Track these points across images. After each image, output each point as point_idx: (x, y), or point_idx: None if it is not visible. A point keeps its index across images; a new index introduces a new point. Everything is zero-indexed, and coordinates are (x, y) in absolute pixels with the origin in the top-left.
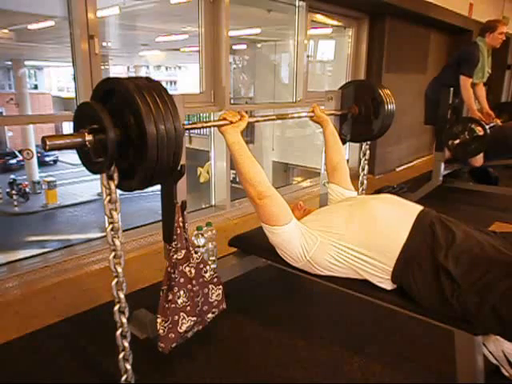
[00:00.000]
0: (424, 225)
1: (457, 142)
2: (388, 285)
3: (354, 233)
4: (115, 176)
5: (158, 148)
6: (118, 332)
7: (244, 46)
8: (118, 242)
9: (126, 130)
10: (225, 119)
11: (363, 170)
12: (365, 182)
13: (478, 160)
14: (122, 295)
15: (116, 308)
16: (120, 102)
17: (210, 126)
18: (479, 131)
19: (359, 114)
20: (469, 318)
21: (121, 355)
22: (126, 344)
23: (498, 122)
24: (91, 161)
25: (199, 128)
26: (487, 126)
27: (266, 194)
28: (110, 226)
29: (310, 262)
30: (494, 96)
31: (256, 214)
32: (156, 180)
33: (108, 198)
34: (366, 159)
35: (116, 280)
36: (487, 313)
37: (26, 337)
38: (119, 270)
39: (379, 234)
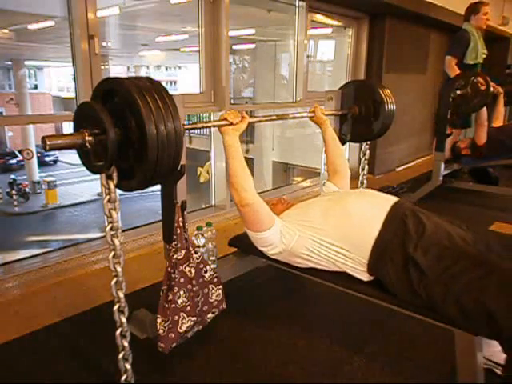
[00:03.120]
0: (397, 217)
1: (458, 92)
2: (365, 277)
3: (330, 227)
4: (114, 176)
5: (159, 148)
6: (118, 332)
7: (246, 46)
8: (117, 242)
9: (126, 131)
10: (225, 119)
11: (363, 169)
12: (365, 181)
13: (482, 138)
14: (121, 295)
15: (115, 308)
16: (120, 102)
17: (210, 126)
18: (482, 85)
19: (359, 114)
20: (435, 308)
21: (120, 355)
22: (126, 344)
23: (500, 89)
24: (91, 161)
25: (199, 128)
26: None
27: (247, 202)
28: (110, 225)
29: (290, 255)
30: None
31: None
32: (156, 180)
33: (107, 197)
34: (366, 159)
35: (115, 279)
36: (451, 303)
37: (25, 337)
38: (118, 269)
39: (353, 228)
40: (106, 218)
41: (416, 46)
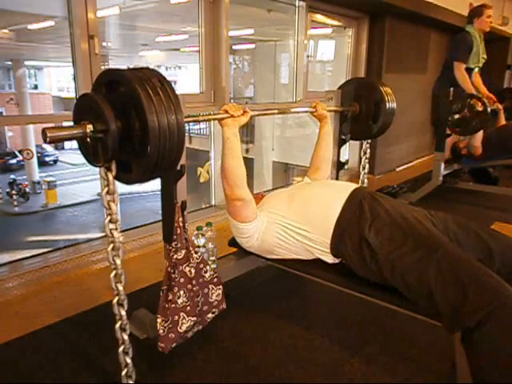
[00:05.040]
0: (355, 200)
1: (457, 116)
2: (330, 259)
3: (294, 211)
4: (113, 167)
5: (160, 141)
6: (117, 325)
7: (245, 46)
8: (116, 234)
9: (128, 123)
10: (226, 112)
11: (364, 168)
12: (365, 180)
13: (478, 148)
14: (120, 287)
15: (115, 300)
16: (121, 94)
17: (211, 119)
18: (479, 106)
19: (360, 111)
20: (386, 282)
21: (120, 348)
22: (126, 337)
23: (500, 106)
24: (92, 153)
25: (201, 121)
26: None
27: (240, 197)
28: (108, 217)
29: (262, 243)
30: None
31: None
32: (157, 174)
33: (106, 189)
34: (366, 158)
35: (114, 272)
36: (398, 280)
37: (25, 337)
38: (118, 261)
39: (316, 211)
40: (104, 210)
41: (416, 46)
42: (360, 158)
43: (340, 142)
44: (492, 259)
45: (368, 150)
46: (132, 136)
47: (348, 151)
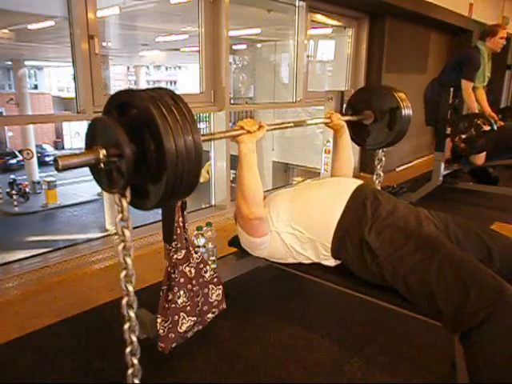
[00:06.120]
0: (358, 200)
1: (464, 136)
2: (332, 261)
3: (296, 215)
4: (128, 193)
5: (178, 164)
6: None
7: (244, 46)
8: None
9: (142, 145)
10: (242, 128)
11: (379, 176)
12: (379, 187)
13: (481, 158)
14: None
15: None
16: (134, 115)
17: (228, 137)
18: (486, 126)
19: (375, 120)
20: (387, 284)
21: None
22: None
23: (502, 124)
24: (105, 179)
25: (217, 139)
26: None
27: (257, 216)
28: (122, 244)
29: (271, 251)
30: (493, 97)
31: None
32: (174, 199)
33: (120, 215)
34: (381, 166)
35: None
36: (399, 281)
37: (25, 337)
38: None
39: (316, 217)
40: (118, 236)
41: (416, 46)
42: (360, 158)
43: None
44: (492, 259)
45: (383, 158)
46: (147, 159)
47: None
